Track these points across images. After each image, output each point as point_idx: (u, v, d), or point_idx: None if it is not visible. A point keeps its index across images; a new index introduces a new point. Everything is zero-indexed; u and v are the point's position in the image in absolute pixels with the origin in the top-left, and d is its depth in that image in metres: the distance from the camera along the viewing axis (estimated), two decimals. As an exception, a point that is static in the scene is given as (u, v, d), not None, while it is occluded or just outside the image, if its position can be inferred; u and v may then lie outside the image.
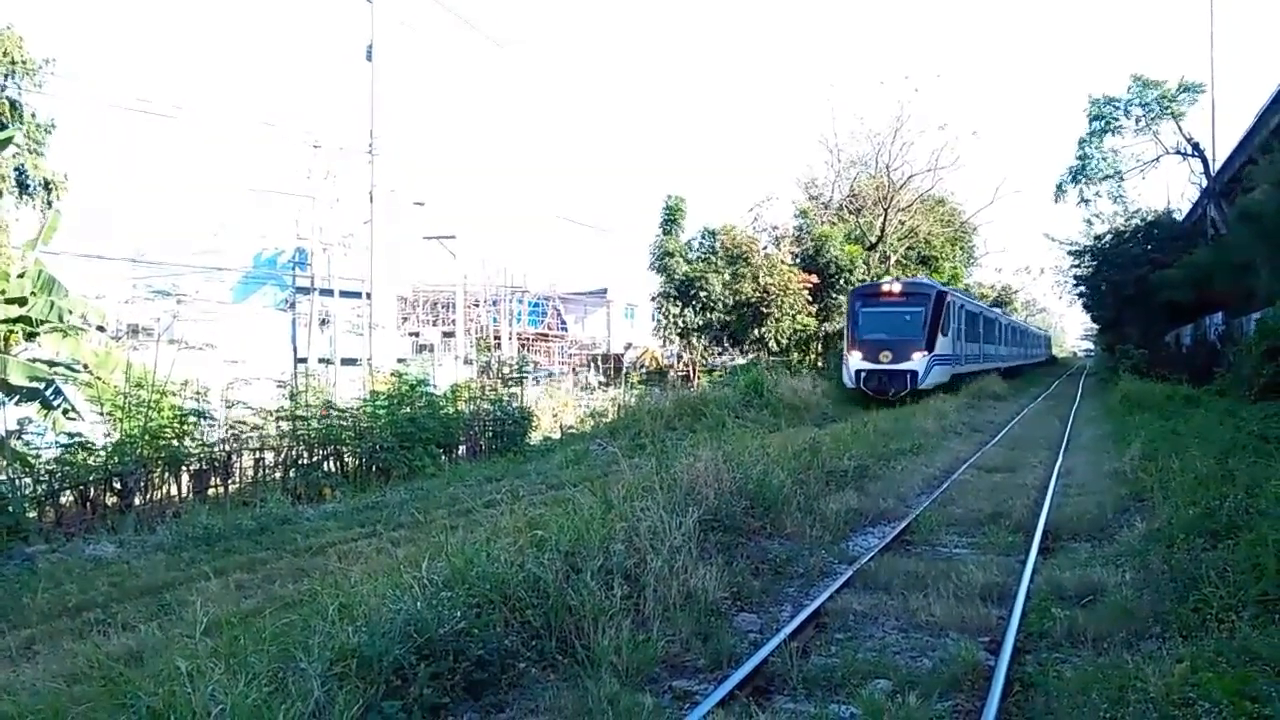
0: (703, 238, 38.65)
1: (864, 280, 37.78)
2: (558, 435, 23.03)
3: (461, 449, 18.60)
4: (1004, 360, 43.52)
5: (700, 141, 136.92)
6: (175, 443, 13.13)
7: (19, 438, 12.78)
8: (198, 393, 14.29)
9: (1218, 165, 33.19)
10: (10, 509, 10.46)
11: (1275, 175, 20.23)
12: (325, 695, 4.13)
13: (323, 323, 36.20)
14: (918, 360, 26.42)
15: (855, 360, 27.31)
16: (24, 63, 20.91)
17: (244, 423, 14.52)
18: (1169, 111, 35.05)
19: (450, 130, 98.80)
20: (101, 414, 13.26)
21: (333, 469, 15.29)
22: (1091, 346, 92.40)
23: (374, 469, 15.56)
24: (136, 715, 3.95)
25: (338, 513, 12.03)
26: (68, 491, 11.88)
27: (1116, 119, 36.96)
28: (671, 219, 38.10)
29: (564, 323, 57.52)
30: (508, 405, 20.59)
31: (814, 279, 37.45)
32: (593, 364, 47.16)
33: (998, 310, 50.68)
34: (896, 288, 28.71)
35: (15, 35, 20.78)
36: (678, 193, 39.51)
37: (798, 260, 39.44)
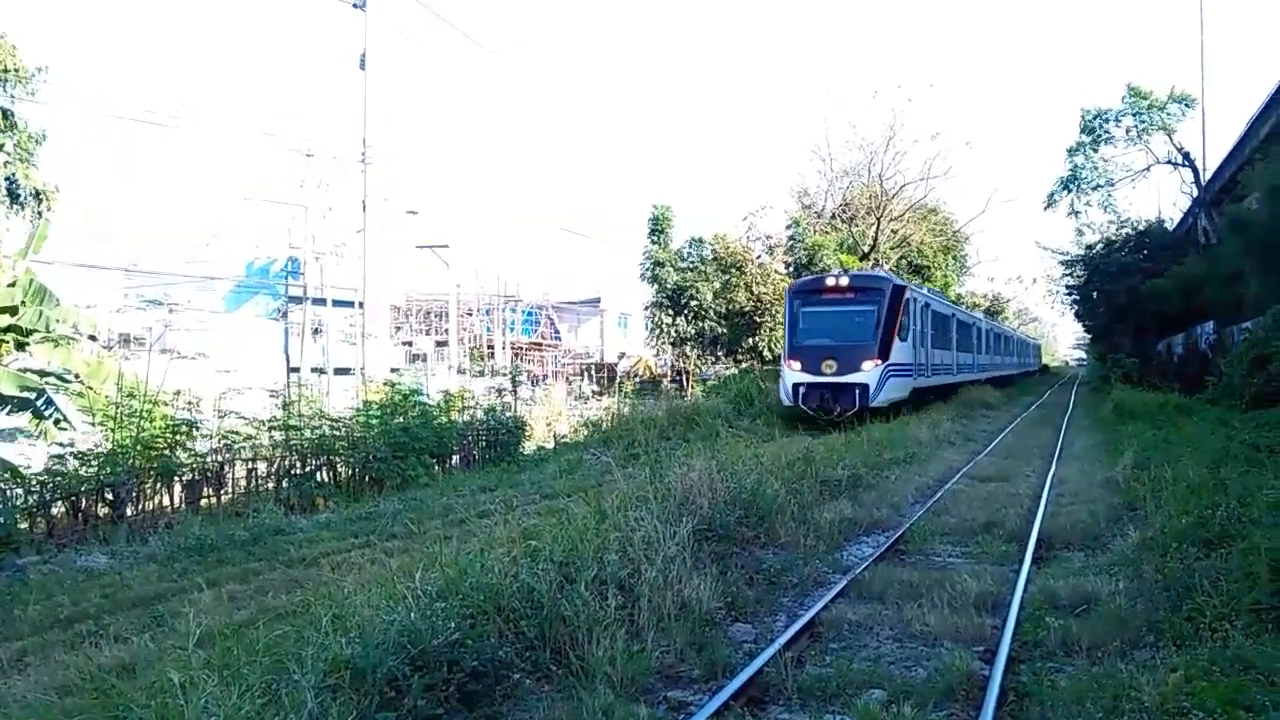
0: (689, 246, 38.75)
1: None
2: (551, 445, 23.01)
3: (455, 459, 18.58)
4: (984, 370, 39.48)
5: (694, 147, 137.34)
6: (167, 453, 13.08)
7: (12, 440, 12.74)
8: (190, 403, 14.25)
9: (1208, 175, 33.38)
10: (1, 520, 10.40)
11: (1267, 182, 20.33)
12: (319, 707, 4.12)
13: (316, 332, 36.16)
14: (868, 371, 21.70)
15: (793, 372, 22.60)
16: (16, 70, 20.90)
17: (237, 433, 14.47)
18: (1159, 125, 35.21)
19: (444, 137, 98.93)
20: (93, 424, 13.21)
21: (326, 479, 15.25)
22: (1083, 355, 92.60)
23: (367, 479, 15.53)
24: (129, 728, 3.92)
25: (331, 523, 11.99)
26: (59, 502, 11.83)
27: (1108, 131, 37.13)
28: (658, 228, 38.25)
29: (557, 332, 57.57)
30: (501, 415, 20.58)
31: (807, 288, 37.49)
32: (586, 373, 47.17)
33: (978, 314, 45.81)
34: (844, 281, 23.64)
35: (8, 44, 20.77)
36: (665, 201, 39.74)
37: (791, 270, 39.53)
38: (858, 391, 21.52)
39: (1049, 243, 50.27)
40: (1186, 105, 34.84)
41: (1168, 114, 34.99)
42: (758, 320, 36.38)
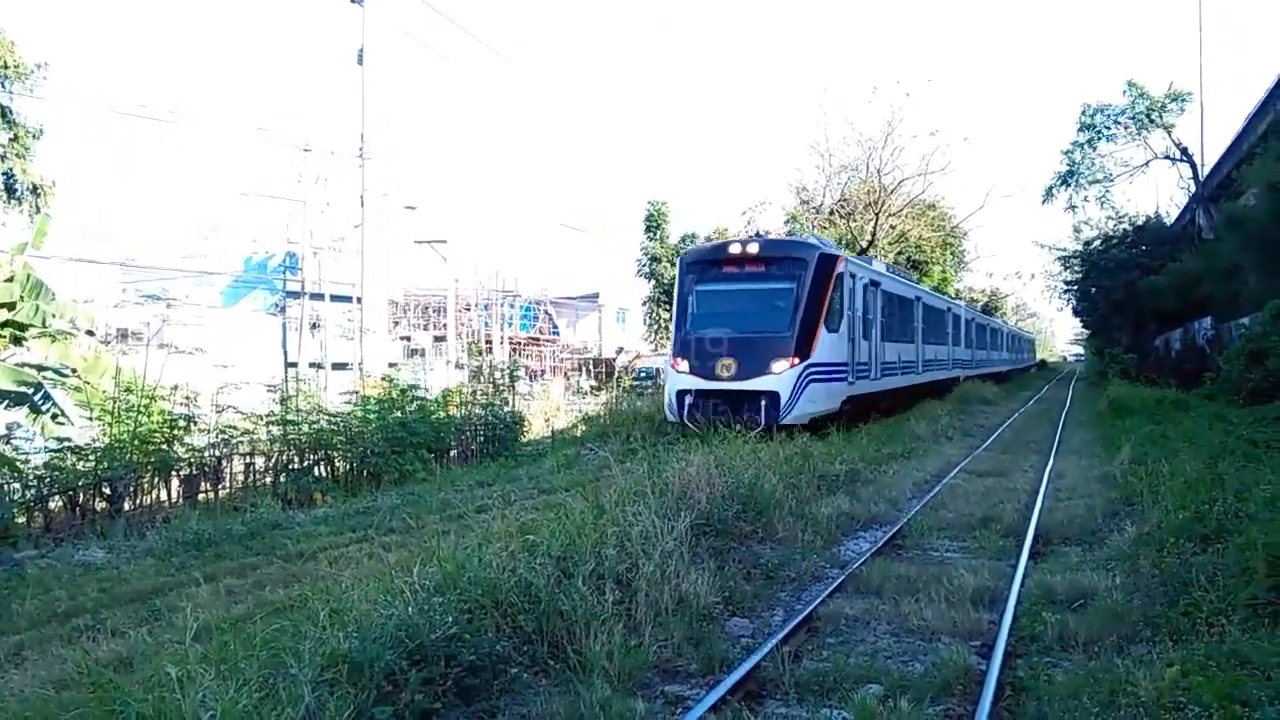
0: (685, 242, 38.78)
1: None
2: (549, 439, 23.01)
3: (453, 453, 18.58)
4: (964, 367, 34.09)
5: (693, 146, 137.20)
6: (165, 448, 13.07)
7: (7, 442, 12.71)
8: (187, 397, 14.24)
9: (1206, 170, 33.39)
10: (-1, 514, 10.41)
11: (1265, 178, 20.35)
12: (316, 701, 4.11)
13: (314, 327, 36.14)
14: (780, 374, 16.01)
15: (679, 375, 16.86)
16: (16, 67, 20.87)
17: (234, 427, 14.46)
18: (1157, 123, 35.21)
19: (443, 134, 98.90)
20: (91, 419, 13.19)
21: (324, 474, 15.25)
22: (1081, 351, 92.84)
23: (365, 474, 15.53)
24: (126, 722, 3.92)
25: (329, 518, 11.99)
26: (57, 496, 11.82)
27: (1108, 128, 37.11)
28: (654, 224, 38.35)
29: (556, 327, 57.58)
30: (499, 409, 20.58)
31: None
32: (584, 368, 47.17)
33: (959, 302, 39.37)
34: (753, 249, 17.56)
35: (7, 40, 20.72)
36: (661, 197, 39.90)
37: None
38: (764, 403, 15.85)
39: (1047, 238, 50.13)
40: (1183, 102, 34.87)
41: (1166, 111, 35.00)
42: (756, 315, 36.36)
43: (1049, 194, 40.13)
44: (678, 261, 18.96)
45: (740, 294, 17.43)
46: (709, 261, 18.05)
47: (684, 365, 16.79)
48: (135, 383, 13.68)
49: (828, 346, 16.99)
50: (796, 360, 16.15)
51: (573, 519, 7.24)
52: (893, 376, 22.14)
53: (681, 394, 16.57)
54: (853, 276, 18.64)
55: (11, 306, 14.12)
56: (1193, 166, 34.72)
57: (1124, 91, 36.02)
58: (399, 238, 40.54)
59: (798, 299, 16.68)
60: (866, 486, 11.98)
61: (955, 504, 11.12)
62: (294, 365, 32.71)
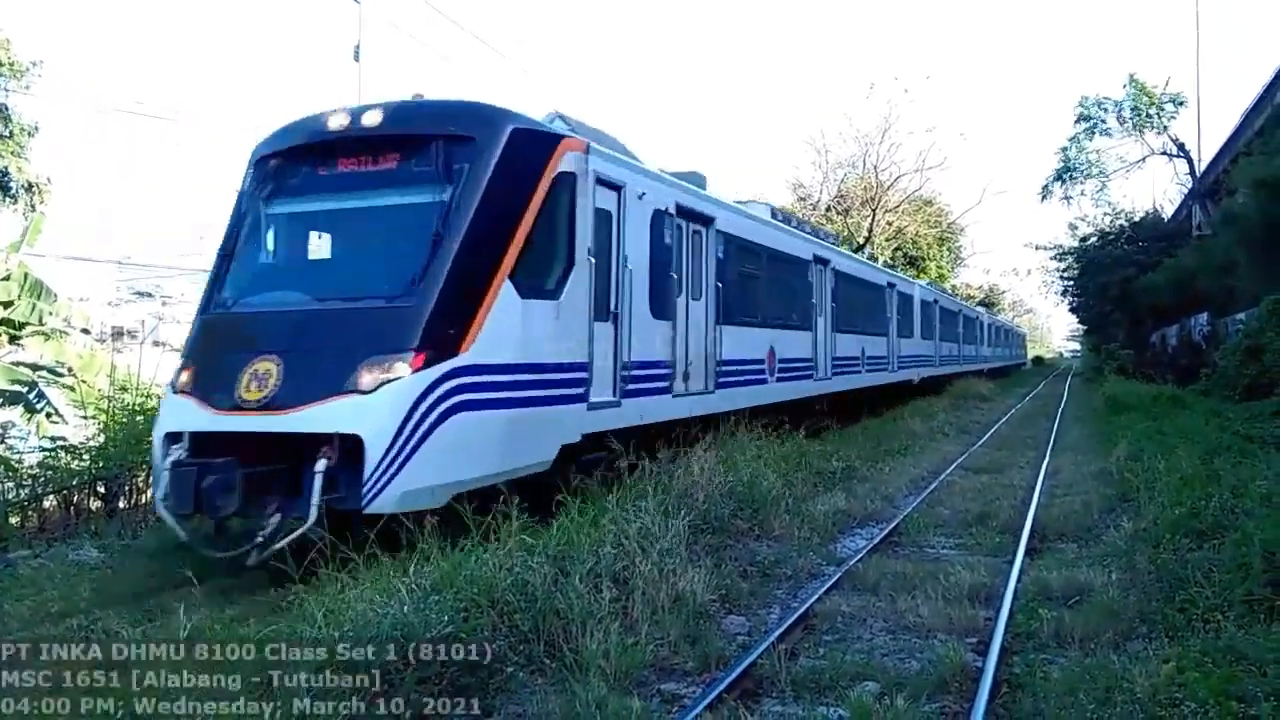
0: None
1: None
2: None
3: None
4: (922, 366, 26.89)
5: (691, 141, 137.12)
6: (160, 446, 13.00)
7: (1, 441, 12.67)
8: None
9: (1203, 166, 33.42)
10: (-8, 514, 10.35)
11: (1253, 177, 20.37)
12: (311, 701, 4.10)
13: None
14: (375, 392, 6.87)
15: (173, 399, 7.86)
16: (11, 64, 20.81)
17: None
18: (1153, 125, 35.25)
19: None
20: (85, 417, 13.14)
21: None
22: (1078, 347, 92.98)
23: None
24: (119, 723, 3.91)
25: (325, 516, 11.94)
26: (51, 496, 11.76)
27: (1105, 122, 37.11)
28: None
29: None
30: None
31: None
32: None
33: (917, 282, 30.82)
34: (371, 120, 8.08)
35: (2, 38, 20.67)
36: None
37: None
38: (326, 464, 6.78)
39: (1044, 234, 50.50)
40: (1179, 104, 34.95)
41: (1163, 113, 35.05)
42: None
43: (1045, 191, 40.17)
44: (248, 159, 9.11)
45: (339, 218, 8.70)
46: (295, 153, 8.70)
47: (187, 377, 7.92)
48: (130, 381, 13.62)
49: (519, 325, 7.96)
50: (425, 358, 7.16)
51: (570, 517, 7.22)
52: (759, 384, 13.68)
53: (169, 440, 7.62)
54: (615, 188, 9.51)
55: (8, 305, 14.08)
56: (1189, 162, 34.78)
57: (1124, 85, 36.02)
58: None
59: (446, 221, 7.65)
60: (863, 483, 11.97)
61: (951, 501, 11.12)
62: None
